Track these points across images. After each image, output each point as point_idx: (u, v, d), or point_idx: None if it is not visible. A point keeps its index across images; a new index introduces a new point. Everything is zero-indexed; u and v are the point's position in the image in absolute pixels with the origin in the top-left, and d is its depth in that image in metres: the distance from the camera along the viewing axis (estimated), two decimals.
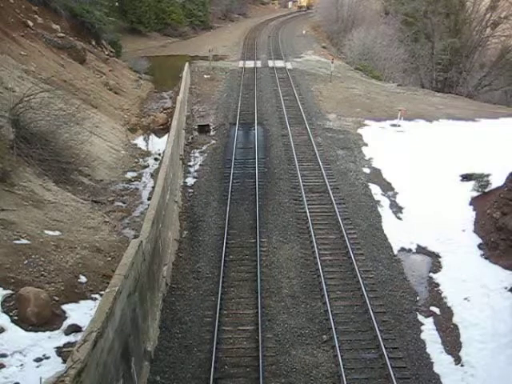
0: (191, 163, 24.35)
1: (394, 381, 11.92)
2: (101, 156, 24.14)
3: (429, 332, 14.02)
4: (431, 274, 16.58)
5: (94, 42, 42.30)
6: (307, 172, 23.06)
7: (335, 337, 13.24)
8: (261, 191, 21.04)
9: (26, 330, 11.00)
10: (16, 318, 11.19)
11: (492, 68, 51.82)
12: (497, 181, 19.63)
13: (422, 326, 14.23)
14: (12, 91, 20.30)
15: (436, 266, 16.96)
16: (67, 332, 11.36)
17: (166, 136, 24.75)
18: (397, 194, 21.64)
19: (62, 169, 19.93)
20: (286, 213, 19.64)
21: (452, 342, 13.70)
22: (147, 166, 25.28)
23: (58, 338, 11.13)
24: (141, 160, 26.04)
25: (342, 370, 12.20)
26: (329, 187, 21.34)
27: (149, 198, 19.83)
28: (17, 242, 13.60)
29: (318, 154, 24.67)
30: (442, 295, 15.48)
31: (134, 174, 24.04)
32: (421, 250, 17.87)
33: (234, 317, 14.16)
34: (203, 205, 20.29)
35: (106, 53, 43.29)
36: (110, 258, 15.34)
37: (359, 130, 29.12)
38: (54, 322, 11.57)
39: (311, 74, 42.82)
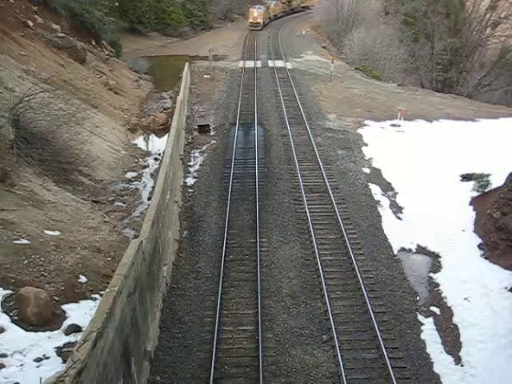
0: (191, 163, 24.35)
1: (394, 381, 11.92)
2: (101, 156, 24.14)
3: (429, 332, 14.03)
4: (431, 274, 16.59)
5: (94, 42, 42.29)
6: (307, 172, 23.05)
7: (335, 337, 13.25)
8: (261, 191, 21.03)
9: (26, 330, 11.01)
10: (16, 318, 11.20)
11: (492, 68, 51.78)
12: (497, 181, 19.62)
13: (422, 326, 14.23)
14: (12, 91, 20.30)
15: (436, 266, 16.96)
16: (67, 332, 11.37)
17: (166, 136, 24.75)
18: (397, 194, 21.64)
19: (62, 169, 19.94)
20: (286, 213, 19.64)
21: (452, 342, 13.70)
22: (147, 166, 25.28)
23: (58, 338, 11.14)
24: (141, 160, 26.03)
25: (342, 370, 12.20)
26: (329, 187, 21.34)
27: (149, 198, 19.84)
28: (17, 242, 13.61)
29: (317, 154, 24.66)
30: (442, 295, 15.49)
31: (134, 174, 24.04)
32: (421, 249, 17.87)
33: (233, 317, 14.16)
34: (203, 205, 20.29)
35: (106, 53, 43.27)
36: (109, 258, 15.34)
37: (359, 130, 29.11)
38: (54, 322, 11.58)
39: (311, 74, 42.81)
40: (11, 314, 11.25)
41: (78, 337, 9.86)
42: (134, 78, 42.59)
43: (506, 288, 15.23)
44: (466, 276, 16.05)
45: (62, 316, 11.89)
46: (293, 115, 30.89)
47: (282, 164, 24.05)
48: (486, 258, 16.90)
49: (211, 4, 77.36)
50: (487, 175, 20.64)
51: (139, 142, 29.04)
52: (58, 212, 16.76)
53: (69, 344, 10.84)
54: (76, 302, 12.53)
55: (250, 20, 71.15)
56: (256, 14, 70.82)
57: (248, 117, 30.65)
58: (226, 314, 14.24)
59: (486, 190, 20.22)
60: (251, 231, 18.31)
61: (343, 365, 12.38)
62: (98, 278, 13.92)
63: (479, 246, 17.55)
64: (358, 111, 32.72)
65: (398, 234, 18.54)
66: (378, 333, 13.37)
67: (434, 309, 14.97)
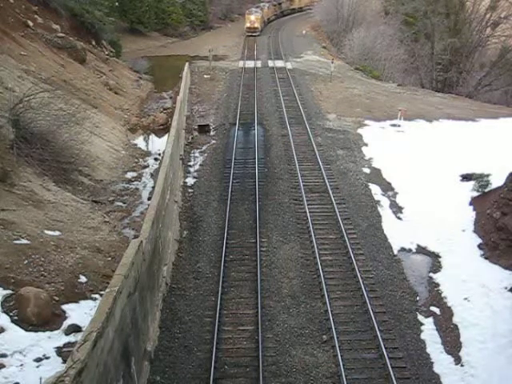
0: (191, 163, 24.35)
1: (394, 381, 11.91)
2: (101, 156, 24.14)
3: (429, 332, 14.02)
4: (431, 274, 16.59)
5: (94, 42, 42.32)
6: (307, 172, 23.05)
7: (335, 337, 13.24)
8: (261, 191, 21.03)
9: (26, 330, 11.00)
10: (16, 318, 11.19)
11: (492, 68, 51.81)
12: (497, 181, 19.62)
13: (422, 326, 14.23)
14: (12, 91, 20.29)
15: (436, 266, 16.96)
16: (67, 332, 11.36)
17: (166, 136, 24.75)
18: (397, 194, 21.63)
19: (62, 169, 19.94)
20: (286, 213, 19.63)
21: (452, 342, 13.69)
22: (147, 166, 25.29)
23: (58, 338, 11.13)
24: (141, 160, 26.04)
25: (342, 370, 12.19)
26: (329, 187, 21.34)
27: (149, 198, 19.84)
28: (17, 242, 13.61)
29: (317, 154, 24.66)
30: (442, 295, 15.48)
31: (134, 174, 24.04)
32: (421, 250, 17.87)
33: (233, 317, 14.15)
34: (203, 205, 20.29)
35: (106, 53, 43.31)
36: (109, 258, 15.34)
37: (359, 130, 29.12)
38: (54, 322, 11.57)
39: (311, 74, 42.81)
40: (11, 314, 11.25)
41: (78, 337, 9.86)
42: (133, 78, 42.61)
43: (506, 288, 15.23)
44: (465, 276, 16.04)
45: (62, 316, 11.88)
46: (293, 115, 30.89)
47: (282, 164, 24.05)
48: (486, 258, 16.89)
49: (211, 4, 77.38)
50: (487, 175, 20.64)
51: (139, 142, 29.06)
52: (58, 212, 16.76)
53: (69, 344, 10.83)
54: (76, 302, 12.52)
55: (247, 25, 65.29)
56: (253, 18, 65.08)
57: (248, 117, 30.65)
58: (226, 313, 14.24)
59: (486, 190, 20.22)
60: (251, 231, 18.30)
61: (343, 365, 12.37)
62: (98, 278, 13.91)
63: (479, 246, 17.54)
64: (358, 111, 32.72)
65: (398, 233, 18.53)
66: (378, 333, 13.37)
67: (434, 309, 14.97)
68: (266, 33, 68.27)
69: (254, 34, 63.82)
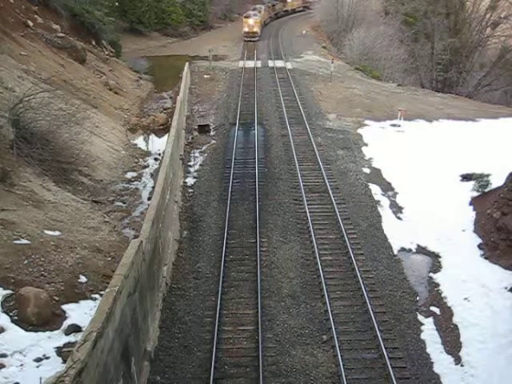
0: (191, 163, 24.35)
1: (394, 381, 11.91)
2: (101, 156, 24.14)
3: (429, 332, 14.03)
4: (431, 274, 16.59)
5: (94, 42, 42.31)
6: (307, 172, 23.05)
7: (335, 337, 13.24)
8: (261, 191, 21.03)
9: (26, 330, 11.00)
10: (16, 318, 11.20)
11: (492, 68, 51.87)
12: (497, 181, 19.62)
13: (422, 326, 14.23)
14: (12, 91, 20.28)
15: (436, 266, 16.96)
16: (67, 332, 11.36)
17: (166, 136, 24.73)
18: (397, 194, 21.64)
19: (62, 169, 19.93)
20: (286, 213, 19.64)
21: (452, 342, 13.70)
22: (147, 166, 25.28)
23: (58, 338, 11.13)
24: (141, 160, 26.03)
25: (342, 370, 12.20)
26: (329, 187, 21.34)
27: (149, 198, 19.83)
28: (17, 242, 13.60)
29: (317, 154, 24.66)
30: (442, 295, 15.48)
31: (134, 174, 24.04)
32: (421, 249, 17.87)
33: (233, 317, 14.16)
34: (203, 205, 20.29)
35: (106, 53, 43.30)
36: (110, 258, 15.34)
37: (359, 130, 29.12)
38: (54, 322, 11.58)
39: (311, 74, 42.80)
40: (11, 314, 11.25)
41: (78, 337, 9.85)
42: (133, 77, 42.60)
43: (506, 288, 15.23)
44: (465, 276, 16.05)
45: (62, 316, 11.89)
46: (293, 115, 30.88)
47: (282, 164, 24.05)
48: (486, 258, 16.89)
49: (211, 4, 77.24)
50: (487, 175, 20.64)
51: (139, 142, 29.05)
52: (58, 212, 16.76)
53: (69, 344, 10.83)
54: (76, 302, 12.52)
55: (246, 30, 60.83)
56: (252, 22, 60.77)
57: (248, 117, 30.64)
58: (226, 313, 14.24)
59: (486, 190, 20.22)
60: (251, 231, 18.30)
61: (343, 365, 12.38)
62: (98, 278, 13.91)
63: (479, 246, 17.54)
64: (358, 111, 32.72)
65: (398, 234, 18.54)
66: (378, 333, 13.37)
67: (434, 309, 14.97)
68: (266, 34, 66.63)
69: (253, 39, 59.96)
